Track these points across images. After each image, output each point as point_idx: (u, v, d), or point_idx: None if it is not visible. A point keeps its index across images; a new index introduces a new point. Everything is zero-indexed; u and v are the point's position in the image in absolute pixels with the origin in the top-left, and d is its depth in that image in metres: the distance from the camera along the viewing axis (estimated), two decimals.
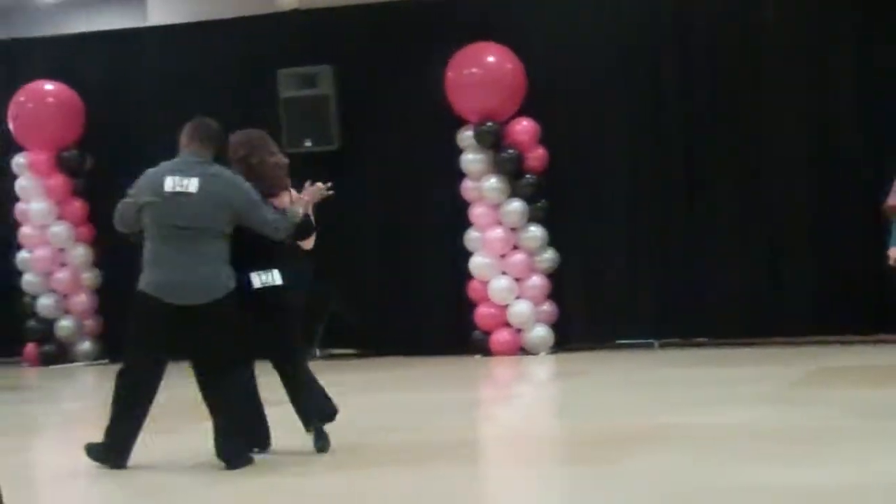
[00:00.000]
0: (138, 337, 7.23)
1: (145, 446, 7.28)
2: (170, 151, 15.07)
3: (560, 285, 12.74)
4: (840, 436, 7.26)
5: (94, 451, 7.25)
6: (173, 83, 13.83)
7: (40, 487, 7.33)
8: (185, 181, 7.14)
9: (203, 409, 7.22)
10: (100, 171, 13.89)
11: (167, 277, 7.09)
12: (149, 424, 7.24)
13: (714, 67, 12.35)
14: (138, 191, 7.24)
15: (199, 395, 7.22)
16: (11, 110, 13.85)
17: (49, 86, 13.96)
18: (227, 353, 7.18)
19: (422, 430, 8.35)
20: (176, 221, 7.10)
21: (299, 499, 6.32)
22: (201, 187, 7.14)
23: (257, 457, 7.26)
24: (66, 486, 7.20)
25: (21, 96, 13.86)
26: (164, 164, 7.34)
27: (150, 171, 7.35)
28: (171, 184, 7.15)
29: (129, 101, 14.02)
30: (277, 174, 7.66)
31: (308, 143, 13.18)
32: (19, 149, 14.02)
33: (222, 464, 7.04)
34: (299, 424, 7.50)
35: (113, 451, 7.19)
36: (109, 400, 7.24)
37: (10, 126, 13.62)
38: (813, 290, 12.07)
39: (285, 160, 7.79)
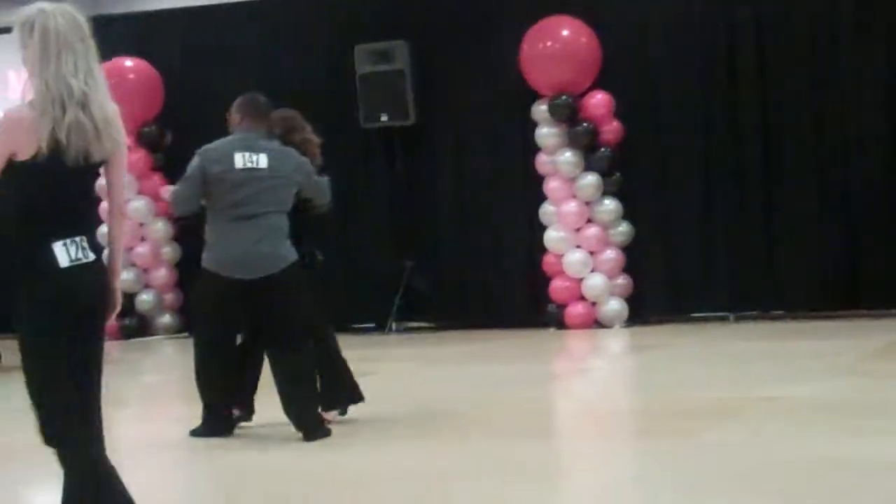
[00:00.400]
0: (207, 314, 7.39)
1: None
2: None
3: (634, 259, 12.73)
4: None
5: (198, 431, 7.40)
6: (249, 59, 13.97)
7: (122, 460, 7.49)
8: (255, 157, 7.22)
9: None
10: (178, 147, 14.07)
11: (231, 253, 7.17)
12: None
13: (792, 38, 12.25)
14: (203, 167, 7.25)
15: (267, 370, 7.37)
16: None
17: (129, 62, 14.15)
18: (298, 322, 7.29)
19: (497, 402, 8.41)
20: (245, 198, 7.17)
21: (378, 468, 6.41)
22: (270, 164, 7.24)
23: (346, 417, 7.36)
24: (148, 458, 7.36)
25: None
26: (226, 141, 7.38)
27: (212, 147, 7.36)
28: (241, 161, 7.21)
29: (206, 78, 14.14)
30: (316, 152, 7.76)
31: (384, 118, 13.27)
32: None
33: (299, 434, 7.14)
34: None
35: (216, 423, 7.36)
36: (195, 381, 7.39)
37: None
38: (890, 262, 11.96)
39: (319, 139, 7.86)
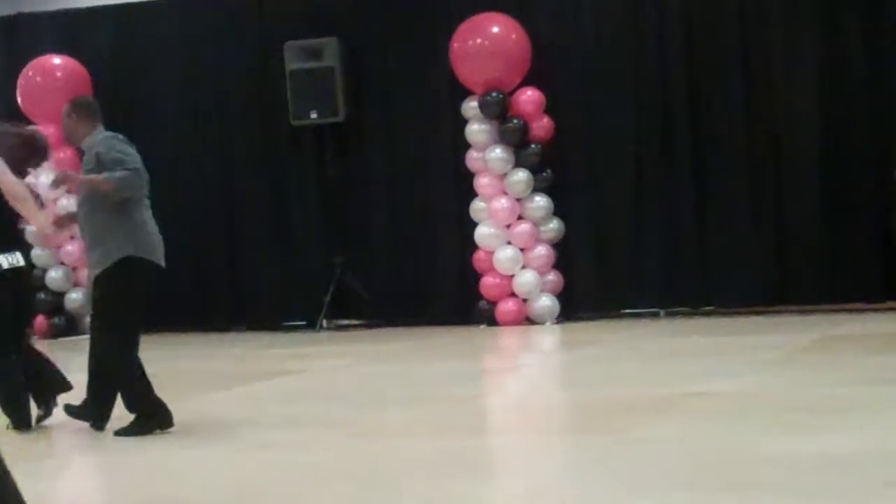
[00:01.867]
0: (137, 305, 7.48)
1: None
2: (175, 123, 15.21)
3: (565, 255, 12.78)
4: (847, 404, 7.30)
5: (131, 431, 7.39)
6: (178, 56, 13.89)
7: (54, 459, 7.42)
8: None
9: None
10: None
11: (155, 241, 7.50)
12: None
13: (723, 35, 12.33)
14: (134, 160, 7.45)
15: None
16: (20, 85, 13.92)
17: (57, 59, 14.00)
18: None
19: (429, 399, 8.41)
20: (146, 191, 7.61)
21: (312, 468, 6.37)
22: None
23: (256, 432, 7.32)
24: (77, 458, 7.29)
25: (29, 70, 13.91)
26: (119, 136, 7.60)
27: (122, 141, 7.57)
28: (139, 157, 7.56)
29: (135, 75, 14.06)
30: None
31: (314, 115, 13.23)
32: (29, 122, 14.06)
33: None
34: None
35: (156, 417, 7.43)
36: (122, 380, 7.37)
37: None
38: (819, 258, 12.09)
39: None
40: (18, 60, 14.14)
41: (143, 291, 7.50)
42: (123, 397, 7.53)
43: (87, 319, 8.09)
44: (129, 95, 13.97)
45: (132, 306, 7.45)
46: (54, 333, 13.86)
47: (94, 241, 7.50)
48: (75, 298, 13.99)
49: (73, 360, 12.61)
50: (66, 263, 14.04)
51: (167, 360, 10.61)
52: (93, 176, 7.39)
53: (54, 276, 13.98)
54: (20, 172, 7.71)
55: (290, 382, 9.64)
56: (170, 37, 14.02)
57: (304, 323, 13.48)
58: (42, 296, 13.96)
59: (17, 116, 14.10)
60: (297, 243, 13.57)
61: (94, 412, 7.62)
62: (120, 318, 7.42)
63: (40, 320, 13.98)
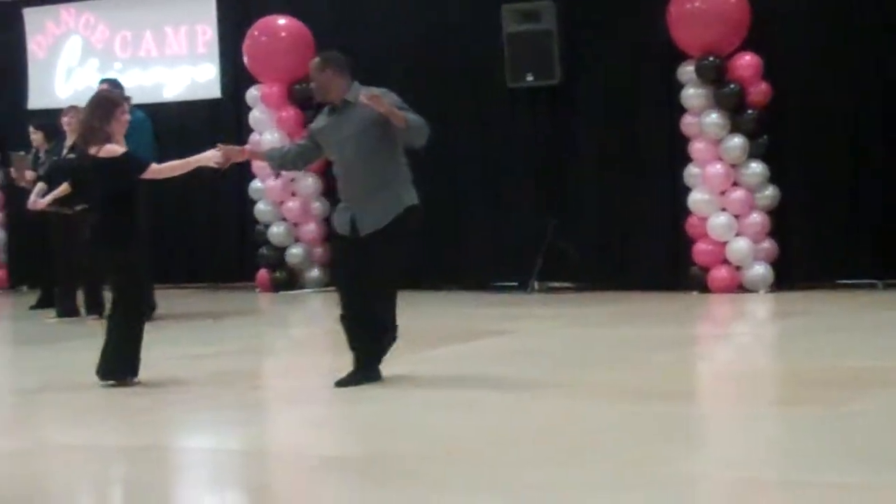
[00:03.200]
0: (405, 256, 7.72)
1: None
2: (393, 83, 15.48)
3: (781, 223, 12.61)
4: None
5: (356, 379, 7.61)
6: (398, 17, 14.13)
7: (268, 409, 7.74)
8: None
9: None
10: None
11: None
12: None
13: None
14: None
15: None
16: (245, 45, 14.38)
17: (282, 20, 14.42)
18: None
19: (637, 365, 8.46)
20: None
21: (520, 427, 6.51)
22: None
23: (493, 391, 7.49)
24: (292, 407, 7.59)
25: (255, 30, 14.36)
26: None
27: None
28: None
29: (356, 36, 14.36)
30: None
31: (530, 78, 13.32)
32: (254, 81, 14.55)
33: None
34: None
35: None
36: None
37: None
38: None
39: None
40: (245, 21, 14.61)
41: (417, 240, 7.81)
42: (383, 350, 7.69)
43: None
44: (348, 57, 14.24)
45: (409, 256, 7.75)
46: (275, 287, 14.33)
47: (373, 190, 7.55)
48: (296, 253, 14.42)
49: (293, 314, 13.13)
50: (287, 219, 14.49)
51: None
52: (395, 110, 7.48)
53: (276, 231, 14.43)
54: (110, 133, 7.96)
55: (501, 342, 9.80)
56: None
57: (515, 284, 13.62)
58: (264, 250, 14.48)
59: (243, 75, 14.63)
60: (509, 205, 13.69)
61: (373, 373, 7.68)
62: (399, 271, 7.70)
63: (262, 274, 14.49)
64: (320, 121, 7.90)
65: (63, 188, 11.85)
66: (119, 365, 7.97)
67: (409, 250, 7.69)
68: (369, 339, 7.64)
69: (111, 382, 7.97)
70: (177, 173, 8.19)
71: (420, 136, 7.56)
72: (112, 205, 7.97)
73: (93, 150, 7.94)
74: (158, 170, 8.05)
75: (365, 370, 7.61)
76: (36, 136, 13.04)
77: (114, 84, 11.99)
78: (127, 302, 7.97)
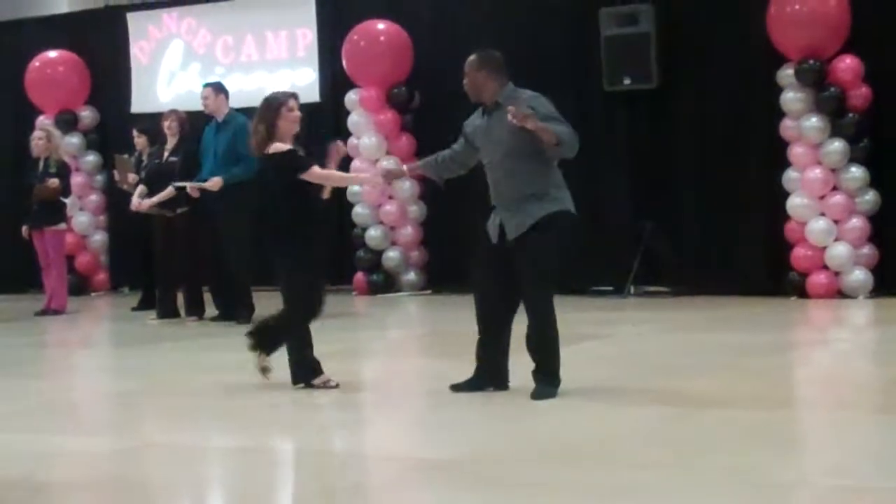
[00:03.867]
0: (561, 264, 7.50)
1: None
2: None
3: (881, 228, 12.46)
4: None
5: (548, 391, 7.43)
6: (496, 21, 14.17)
7: (362, 408, 7.82)
8: None
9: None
10: (425, 108, 14.45)
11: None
12: None
13: None
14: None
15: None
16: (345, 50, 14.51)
17: (381, 25, 14.54)
18: None
19: (735, 370, 8.42)
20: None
21: (614, 432, 6.52)
22: None
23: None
24: (390, 409, 7.65)
25: (354, 35, 14.49)
26: (542, 96, 7.53)
27: (549, 100, 7.52)
28: None
29: (454, 39, 14.42)
30: None
31: (627, 81, 13.30)
32: (352, 85, 14.68)
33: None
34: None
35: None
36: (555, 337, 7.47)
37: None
38: None
39: None
40: (344, 25, 14.74)
41: (570, 247, 7.51)
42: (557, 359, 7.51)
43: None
44: (447, 61, 14.32)
45: (562, 261, 7.50)
46: (372, 290, 14.44)
47: (522, 195, 7.37)
48: (393, 257, 14.52)
49: (389, 316, 13.22)
50: (384, 223, 14.59)
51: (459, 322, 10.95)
52: (544, 125, 7.25)
53: (373, 235, 14.55)
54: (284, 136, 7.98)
55: (596, 347, 9.80)
56: (486, 2, 14.34)
57: (611, 288, 13.59)
58: (361, 253, 14.59)
59: (342, 79, 14.76)
60: (606, 208, 13.67)
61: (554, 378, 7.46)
62: (554, 274, 7.47)
63: (359, 277, 14.61)
64: (474, 121, 7.72)
65: (168, 191, 12.06)
66: (296, 368, 8.01)
67: (558, 257, 7.38)
68: (499, 352, 7.55)
69: (300, 386, 8.01)
70: (334, 184, 8.19)
71: (570, 150, 7.36)
72: (276, 203, 8.01)
73: (265, 151, 7.99)
74: (319, 174, 7.98)
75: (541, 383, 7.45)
76: (139, 140, 13.28)
77: (218, 87, 12.17)
78: (288, 302, 8.02)
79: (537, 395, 7.31)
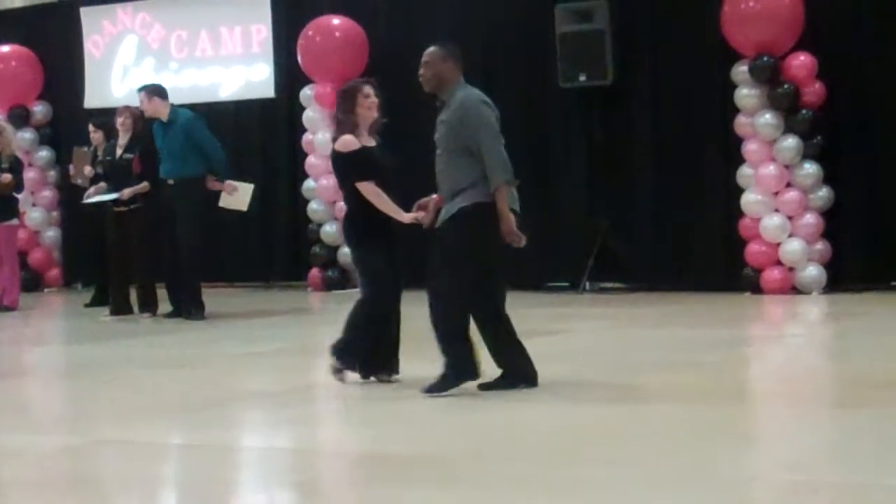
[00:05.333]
0: (482, 254, 7.29)
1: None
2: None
3: (834, 224, 12.53)
4: None
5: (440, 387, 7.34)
6: (450, 17, 14.15)
7: (314, 404, 7.78)
8: None
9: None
10: (386, 104, 14.35)
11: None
12: None
13: None
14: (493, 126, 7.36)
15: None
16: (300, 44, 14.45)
17: (336, 20, 14.49)
18: None
19: (690, 365, 8.44)
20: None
21: (569, 428, 6.52)
22: None
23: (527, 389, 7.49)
24: (338, 404, 7.63)
25: (309, 30, 14.43)
26: (486, 99, 7.46)
27: (488, 105, 7.42)
28: None
29: (410, 35, 14.41)
30: None
31: (582, 78, 13.31)
32: (307, 80, 14.62)
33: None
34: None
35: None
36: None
37: None
38: None
39: None
40: (300, 20, 14.69)
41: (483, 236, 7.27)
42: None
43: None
44: (402, 56, 14.32)
45: (479, 252, 7.29)
46: (327, 286, 14.40)
47: (452, 193, 7.30)
48: (348, 252, 14.46)
49: (344, 313, 13.14)
50: (339, 218, 14.53)
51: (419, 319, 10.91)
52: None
53: (329, 231, 14.50)
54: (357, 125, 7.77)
55: (551, 343, 9.80)
56: None
57: (566, 284, 13.62)
58: (316, 249, 14.54)
59: (297, 74, 14.72)
60: (562, 204, 13.70)
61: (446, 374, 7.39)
62: (467, 265, 7.29)
63: (314, 273, 14.56)
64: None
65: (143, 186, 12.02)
66: (344, 352, 7.82)
67: (469, 247, 7.24)
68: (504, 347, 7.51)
69: (337, 366, 7.84)
70: (379, 207, 7.70)
71: (501, 175, 7.25)
72: (347, 200, 7.93)
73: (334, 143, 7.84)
74: (370, 191, 7.69)
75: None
76: (96, 135, 13.17)
77: (150, 90, 12.12)
78: (362, 296, 7.89)
79: (425, 388, 7.31)
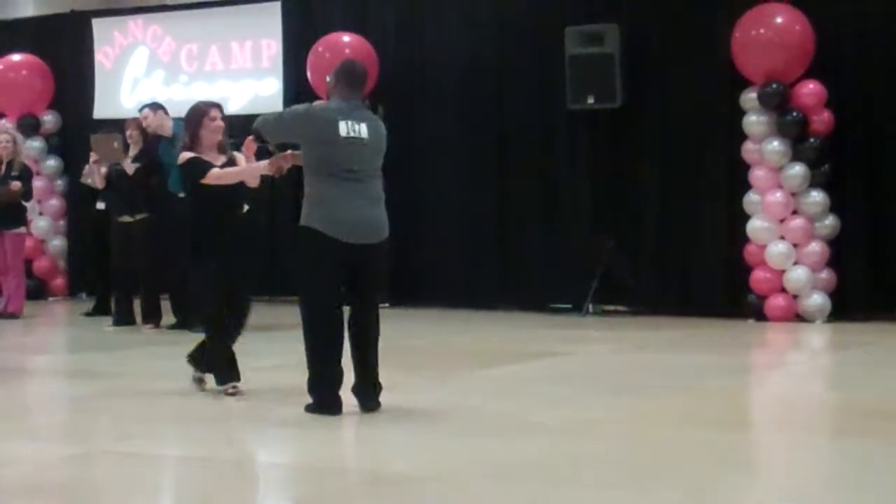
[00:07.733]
0: (319, 278, 7.29)
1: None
2: (454, 102, 15.58)
3: (840, 253, 12.52)
4: None
5: (311, 408, 7.42)
6: (461, 37, 14.20)
7: (320, 420, 7.77)
8: (357, 126, 7.33)
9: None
10: (390, 120, 14.36)
11: (345, 217, 7.21)
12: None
13: None
14: (312, 129, 7.31)
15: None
16: (309, 62, 14.47)
17: (346, 37, 14.51)
18: (383, 288, 7.82)
19: (691, 392, 8.43)
20: (351, 166, 7.27)
21: (573, 452, 6.50)
22: (370, 133, 7.38)
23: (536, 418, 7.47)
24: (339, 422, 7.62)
25: (319, 46, 14.45)
26: (331, 106, 7.42)
27: (318, 110, 7.45)
28: (345, 129, 7.28)
29: (418, 54, 14.47)
30: None
31: (591, 101, 13.32)
32: (316, 96, 14.61)
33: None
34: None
35: (327, 401, 7.38)
36: (308, 353, 7.39)
37: None
38: None
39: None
40: (310, 36, 14.72)
41: (314, 261, 7.29)
42: None
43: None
44: (411, 74, 14.39)
45: (308, 275, 7.35)
46: None
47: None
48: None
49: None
50: None
51: (436, 335, 10.88)
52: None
53: None
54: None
55: (554, 364, 9.80)
56: (452, 18, 14.37)
57: (570, 306, 13.60)
58: None
59: (306, 90, 14.75)
60: (567, 226, 13.71)
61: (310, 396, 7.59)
62: (306, 286, 7.41)
63: None
64: None
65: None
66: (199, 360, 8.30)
67: (302, 270, 7.35)
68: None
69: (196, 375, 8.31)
70: (230, 179, 8.11)
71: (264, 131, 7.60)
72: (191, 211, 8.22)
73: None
74: (217, 174, 8.07)
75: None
76: (134, 133, 13.12)
77: (153, 106, 12.25)
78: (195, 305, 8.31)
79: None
